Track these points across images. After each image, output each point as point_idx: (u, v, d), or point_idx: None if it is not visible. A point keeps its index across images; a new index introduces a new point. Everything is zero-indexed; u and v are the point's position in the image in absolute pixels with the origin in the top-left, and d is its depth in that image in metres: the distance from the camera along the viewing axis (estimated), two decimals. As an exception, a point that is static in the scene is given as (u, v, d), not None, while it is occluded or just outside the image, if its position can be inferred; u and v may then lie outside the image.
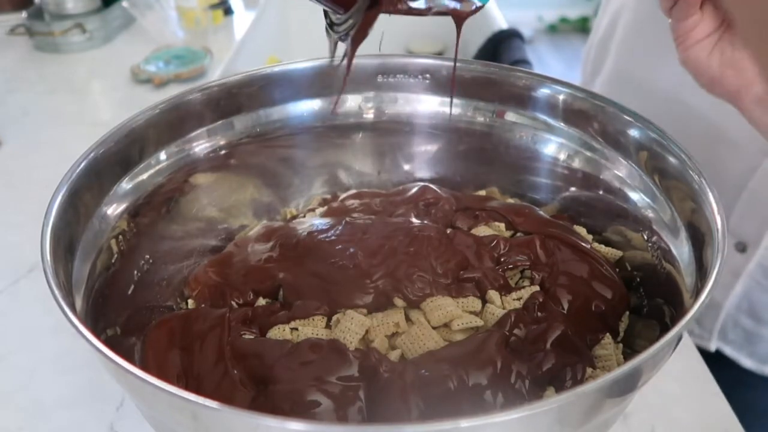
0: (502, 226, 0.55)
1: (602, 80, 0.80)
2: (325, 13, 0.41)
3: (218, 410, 0.29)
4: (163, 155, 0.53)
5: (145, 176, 0.51)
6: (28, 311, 0.62)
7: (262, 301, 0.49)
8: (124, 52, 1.15)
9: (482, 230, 0.54)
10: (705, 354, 0.63)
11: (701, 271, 0.41)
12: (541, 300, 0.48)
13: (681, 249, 0.45)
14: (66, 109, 0.98)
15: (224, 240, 0.58)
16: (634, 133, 0.51)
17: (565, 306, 0.48)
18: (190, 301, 0.52)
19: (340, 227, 0.52)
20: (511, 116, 0.59)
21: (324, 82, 0.59)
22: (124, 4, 1.19)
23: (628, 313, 0.50)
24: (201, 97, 0.54)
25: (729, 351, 0.72)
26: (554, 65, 2.98)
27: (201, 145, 0.56)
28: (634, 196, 0.52)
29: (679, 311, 0.43)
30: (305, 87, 0.59)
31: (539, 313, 0.47)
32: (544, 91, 0.57)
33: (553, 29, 3.32)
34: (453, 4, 0.43)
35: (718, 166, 0.65)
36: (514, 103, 0.58)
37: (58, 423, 0.52)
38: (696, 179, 0.44)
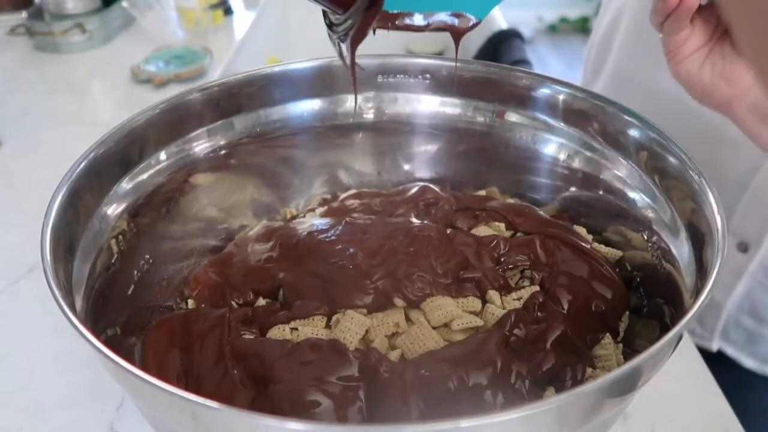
0: (502, 226, 0.55)
1: (603, 80, 0.80)
2: (324, 13, 0.41)
3: (218, 410, 0.29)
4: (163, 155, 0.53)
5: (145, 176, 0.51)
6: (28, 311, 0.62)
7: (262, 301, 0.49)
8: (124, 52, 1.15)
9: (482, 230, 0.54)
10: (706, 354, 0.63)
11: (701, 271, 0.41)
12: (541, 300, 0.48)
13: (681, 249, 0.45)
14: (66, 109, 0.98)
15: (224, 240, 0.58)
16: (634, 133, 0.51)
17: (565, 306, 0.48)
18: (190, 301, 0.52)
19: (340, 227, 0.52)
20: (511, 116, 0.59)
21: (324, 82, 0.59)
22: (124, 4, 1.19)
23: (628, 313, 0.50)
24: (201, 97, 0.54)
25: (731, 351, 0.72)
26: (554, 65, 2.98)
27: (201, 145, 0.56)
28: (634, 196, 0.52)
29: (679, 311, 0.43)
30: (305, 87, 0.59)
31: (539, 313, 0.47)
32: (544, 91, 0.57)
33: (553, 29, 3.32)
34: (450, 20, 0.43)
35: (719, 166, 0.65)
36: (514, 103, 0.58)
37: (58, 423, 0.52)
38: (696, 179, 0.44)
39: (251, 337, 0.45)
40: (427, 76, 0.60)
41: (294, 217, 0.61)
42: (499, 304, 0.47)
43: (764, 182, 0.64)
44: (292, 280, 0.49)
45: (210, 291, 0.51)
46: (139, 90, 1.03)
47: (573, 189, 0.57)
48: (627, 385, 0.34)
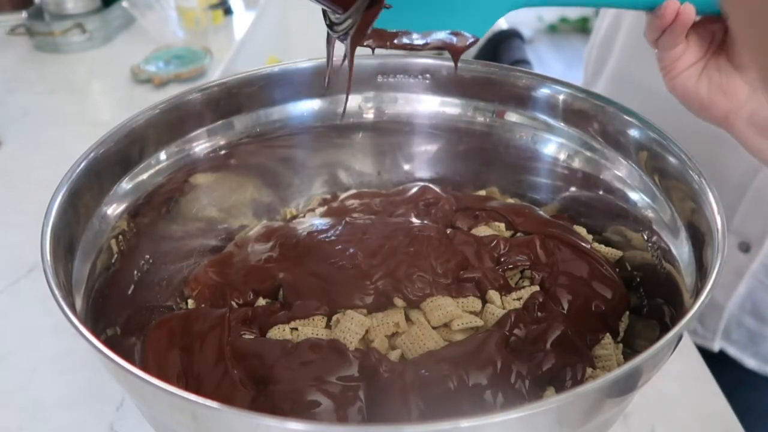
0: (502, 226, 0.55)
1: (605, 81, 0.80)
2: (324, 13, 0.41)
3: (218, 410, 0.29)
4: (163, 155, 0.53)
5: (145, 176, 0.51)
6: (28, 311, 0.62)
7: (262, 301, 0.49)
8: (124, 52, 1.15)
9: (482, 230, 0.54)
10: (707, 354, 0.63)
11: (701, 271, 0.41)
12: (541, 300, 0.48)
13: (681, 249, 0.45)
14: (66, 109, 0.98)
15: (224, 240, 0.58)
16: (634, 133, 0.51)
17: (565, 306, 0.48)
18: (190, 301, 0.52)
19: (340, 227, 0.52)
20: (511, 116, 0.59)
21: (324, 82, 0.59)
22: (124, 4, 1.19)
23: (628, 313, 0.50)
24: (201, 97, 0.54)
25: (732, 351, 0.72)
26: (554, 65, 2.98)
27: (201, 145, 0.56)
28: (634, 196, 0.52)
29: (679, 311, 0.43)
30: (305, 87, 0.59)
31: (539, 313, 0.47)
32: (544, 91, 0.57)
33: (553, 29, 3.32)
34: (448, 39, 0.44)
35: (719, 167, 0.65)
36: (514, 103, 0.58)
37: (58, 423, 0.52)
38: (696, 179, 0.44)
39: (251, 337, 0.45)
40: (427, 76, 0.60)
41: (294, 217, 0.61)
42: (499, 304, 0.47)
43: (766, 182, 0.64)
44: (292, 280, 0.49)
45: (210, 291, 0.51)
46: (139, 90, 1.03)
47: (573, 189, 0.57)
48: (627, 385, 0.34)
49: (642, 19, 0.49)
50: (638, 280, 0.51)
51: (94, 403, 0.53)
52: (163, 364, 0.44)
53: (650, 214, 0.50)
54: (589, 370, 0.43)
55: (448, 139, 0.62)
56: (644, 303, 0.49)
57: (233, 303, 0.49)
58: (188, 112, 0.54)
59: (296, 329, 0.45)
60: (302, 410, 0.38)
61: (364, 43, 0.43)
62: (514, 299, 0.48)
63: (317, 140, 0.61)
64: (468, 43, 0.44)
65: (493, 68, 0.58)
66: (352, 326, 0.44)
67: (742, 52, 0.46)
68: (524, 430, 0.31)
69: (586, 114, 0.55)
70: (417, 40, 0.43)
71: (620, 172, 0.53)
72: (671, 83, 0.49)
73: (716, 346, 0.73)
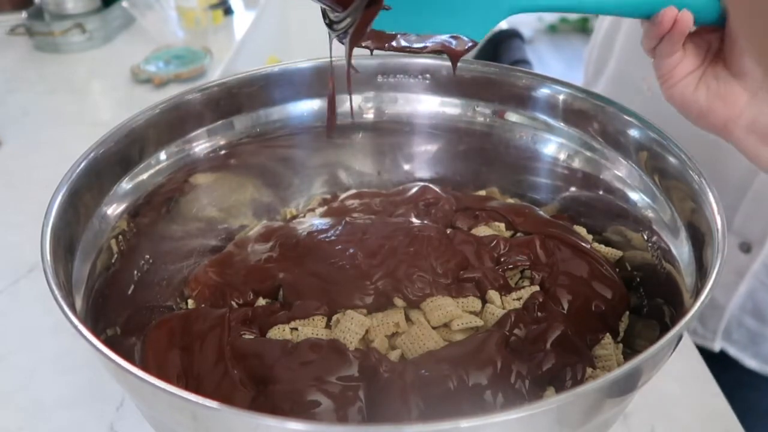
0: (502, 226, 0.55)
1: (605, 81, 0.80)
2: (324, 12, 0.40)
3: (218, 410, 0.29)
4: (163, 155, 0.53)
5: (145, 176, 0.51)
6: (28, 311, 0.62)
7: (262, 301, 0.49)
8: (124, 52, 1.15)
9: (482, 230, 0.54)
10: (708, 354, 0.63)
11: (701, 271, 0.41)
12: (541, 300, 0.48)
13: (681, 249, 0.45)
14: (66, 109, 0.98)
15: (224, 240, 0.58)
16: (634, 133, 0.51)
17: (565, 306, 0.48)
18: (190, 301, 0.52)
19: (340, 227, 0.52)
20: (511, 116, 0.59)
21: (324, 82, 0.59)
22: (124, 4, 1.19)
23: (628, 313, 0.50)
24: (201, 97, 0.54)
25: (733, 351, 0.72)
26: (554, 65, 2.97)
27: (201, 145, 0.56)
28: (634, 196, 0.52)
29: (679, 311, 0.43)
30: (305, 87, 0.59)
31: (539, 313, 0.47)
32: (544, 91, 0.57)
33: (553, 29, 3.32)
34: (447, 42, 0.44)
35: (720, 167, 0.65)
36: (514, 103, 0.58)
37: (58, 423, 0.52)
38: (696, 179, 0.44)
39: (251, 337, 0.45)
40: (427, 76, 0.60)
41: (294, 217, 0.61)
42: (499, 304, 0.47)
43: (766, 183, 0.64)
44: (292, 280, 0.49)
45: (210, 291, 0.51)
46: (139, 90, 1.03)
47: (573, 189, 0.57)
48: (627, 385, 0.34)
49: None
50: (638, 280, 0.51)
51: (94, 403, 0.53)
52: (163, 364, 0.44)
53: (650, 214, 0.50)
54: (589, 370, 0.43)
55: (448, 139, 0.62)
56: (644, 303, 0.49)
57: (233, 303, 0.49)
58: (188, 112, 0.54)
59: (296, 329, 0.45)
60: (302, 410, 0.38)
61: (363, 45, 0.43)
62: (514, 299, 0.48)
63: (317, 140, 0.61)
64: (466, 47, 0.44)
65: (493, 68, 0.58)
66: (352, 326, 0.44)
67: (746, 51, 0.45)
68: (524, 430, 0.31)
69: (586, 114, 0.55)
70: (416, 42, 0.43)
71: (620, 172, 0.53)
72: (669, 92, 0.49)
73: (717, 346, 0.73)
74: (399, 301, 0.46)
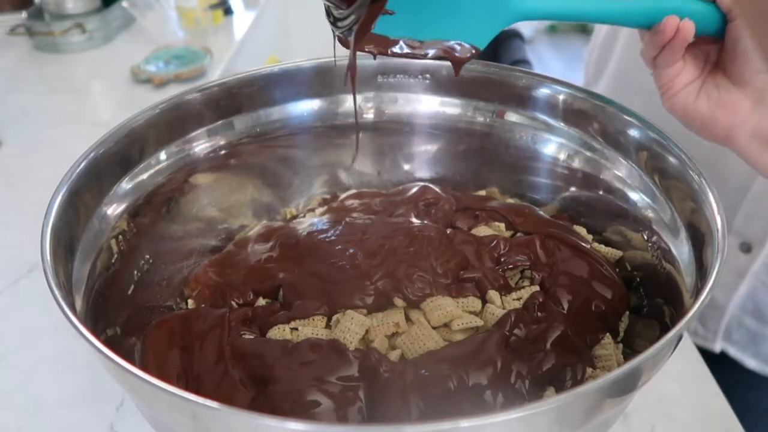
0: (502, 226, 0.55)
1: (605, 81, 0.80)
2: (327, 9, 0.40)
3: (218, 410, 0.29)
4: (163, 155, 0.53)
5: (145, 176, 0.51)
6: (28, 311, 0.62)
7: (262, 301, 0.49)
8: (124, 52, 1.15)
9: (482, 230, 0.54)
10: (708, 355, 0.63)
11: (701, 271, 0.41)
12: (541, 300, 0.48)
13: (681, 249, 0.45)
14: (66, 109, 0.98)
15: (224, 240, 0.58)
16: (634, 133, 0.51)
17: (565, 306, 0.48)
18: (190, 301, 0.52)
19: (340, 227, 0.52)
20: (511, 116, 0.59)
21: (324, 82, 0.59)
22: (124, 4, 1.19)
23: (628, 313, 0.50)
24: (201, 97, 0.54)
25: (733, 352, 0.72)
26: (554, 65, 2.97)
27: (201, 145, 0.56)
28: (634, 196, 0.52)
29: (679, 311, 0.43)
30: (305, 87, 0.59)
31: (539, 313, 0.47)
32: (544, 91, 0.57)
33: (553, 29, 3.31)
34: (450, 49, 0.44)
35: (720, 167, 0.65)
36: (514, 103, 0.58)
37: (58, 423, 0.52)
38: (696, 179, 0.44)
39: (251, 337, 0.45)
40: (427, 76, 0.60)
41: (294, 217, 0.61)
42: (499, 304, 0.47)
43: (767, 183, 0.64)
44: (292, 280, 0.49)
45: (210, 291, 0.51)
46: (139, 90, 1.03)
47: (573, 189, 0.57)
48: (627, 385, 0.34)
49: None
50: (638, 280, 0.51)
51: (94, 403, 0.53)
52: (163, 364, 0.44)
53: (650, 214, 0.50)
54: (589, 370, 0.43)
55: (448, 139, 0.62)
56: (644, 303, 0.49)
57: (233, 303, 0.49)
58: (188, 112, 0.54)
59: (296, 329, 0.45)
60: (302, 410, 0.38)
61: (366, 49, 0.43)
62: (514, 299, 0.48)
63: (317, 140, 0.61)
64: (469, 54, 0.44)
65: (493, 68, 0.58)
66: (352, 326, 0.44)
67: (749, 57, 0.45)
68: (524, 430, 0.31)
69: (586, 114, 0.55)
70: (418, 48, 0.43)
71: (620, 172, 0.53)
72: (670, 102, 0.49)
73: (717, 347, 0.73)
74: (399, 301, 0.46)
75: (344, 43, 0.42)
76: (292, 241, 0.52)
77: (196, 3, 1.22)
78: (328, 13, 0.41)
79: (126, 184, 0.50)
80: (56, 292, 0.36)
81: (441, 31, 0.44)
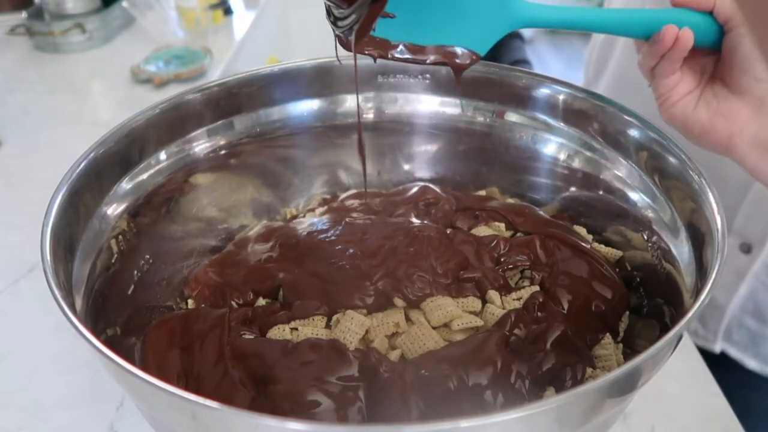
0: (502, 226, 0.55)
1: (606, 82, 0.80)
2: (328, 9, 0.40)
3: (218, 410, 0.29)
4: (163, 155, 0.53)
5: (145, 176, 0.51)
6: (28, 311, 0.62)
7: (262, 301, 0.49)
8: (124, 52, 1.15)
9: (482, 230, 0.54)
10: (708, 355, 0.63)
11: (701, 271, 0.41)
12: (541, 300, 0.48)
13: (681, 249, 0.45)
14: (66, 109, 0.98)
15: (224, 240, 0.58)
16: (634, 133, 0.51)
17: (565, 306, 0.48)
18: (190, 301, 0.52)
19: (339, 227, 0.52)
20: (511, 116, 0.59)
21: (324, 82, 0.59)
22: (124, 4, 1.19)
23: (628, 313, 0.50)
24: (201, 97, 0.54)
25: (734, 352, 0.72)
26: (554, 65, 2.97)
27: (201, 145, 0.56)
28: (634, 196, 0.52)
29: (679, 311, 0.43)
30: (305, 87, 0.59)
31: (539, 313, 0.47)
32: (544, 91, 0.57)
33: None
34: (451, 54, 0.44)
35: (720, 167, 0.65)
36: (514, 103, 0.58)
37: (58, 423, 0.52)
38: (696, 179, 0.44)
39: (251, 337, 0.45)
40: (427, 76, 0.60)
41: (294, 217, 0.61)
42: (499, 304, 0.47)
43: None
44: (292, 280, 0.49)
45: (210, 291, 0.51)
46: (139, 90, 1.03)
47: (573, 189, 0.57)
48: (627, 385, 0.34)
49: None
50: (638, 280, 0.51)
51: (94, 403, 0.53)
52: (163, 364, 0.44)
53: (650, 214, 0.50)
54: (589, 370, 0.43)
55: (448, 139, 0.62)
56: (644, 303, 0.49)
57: (233, 303, 0.49)
58: (188, 112, 0.54)
59: (296, 329, 0.45)
60: (302, 410, 0.38)
61: (366, 52, 0.43)
62: (514, 299, 0.48)
63: (317, 140, 0.61)
64: (469, 60, 0.45)
65: (493, 68, 0.58)
66: (352, 326, 0.44)
67: (751, 61, 0.46)
68: (524, 430, 0.31)
69: (586, 114, 0.55)
70: (419, 53, 0.43)
71: (620, 172, 0.53)
72: (669, 112, 0.49)
73: (717, 347, 0.73)
74: (399, 301, 0.46)
75: (344, 43, 0.42)
76: (292, 241, 0.52)
77: (196, 3, 1.22)
78: (329, 13, 0.41)
79: (126, 184, 0.50)
80: (56, 292, 0.36)
81: (442, 36, 0.44)
